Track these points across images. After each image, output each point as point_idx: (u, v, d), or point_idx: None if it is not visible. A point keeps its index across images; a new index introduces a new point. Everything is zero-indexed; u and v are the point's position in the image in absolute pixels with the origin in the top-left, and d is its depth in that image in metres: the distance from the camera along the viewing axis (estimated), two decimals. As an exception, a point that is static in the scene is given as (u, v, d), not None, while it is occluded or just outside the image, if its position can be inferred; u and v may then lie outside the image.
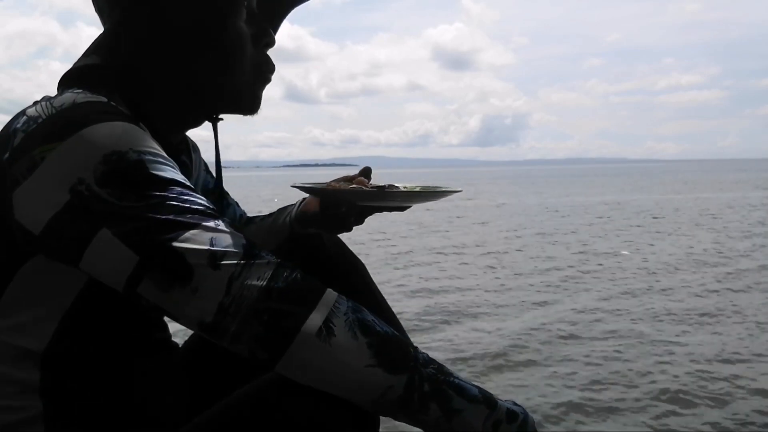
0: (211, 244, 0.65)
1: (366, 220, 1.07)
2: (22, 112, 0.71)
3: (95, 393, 0.76)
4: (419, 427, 0.70)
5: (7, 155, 0.68)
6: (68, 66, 0.81)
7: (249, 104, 0.87)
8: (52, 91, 0.80)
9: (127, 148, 0.67)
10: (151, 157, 0.68)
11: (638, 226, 8.80)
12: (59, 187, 0.65)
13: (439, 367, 0.70)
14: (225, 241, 0.66)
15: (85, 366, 0.75)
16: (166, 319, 0.88)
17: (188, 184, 0.70)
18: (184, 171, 0.90)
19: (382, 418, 0.75)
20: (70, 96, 0.70)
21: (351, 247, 1.12)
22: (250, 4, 0.84)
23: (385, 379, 0.66)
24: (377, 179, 1.07)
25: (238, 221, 1.15)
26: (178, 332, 0.98)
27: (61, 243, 0.67)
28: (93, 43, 0.81)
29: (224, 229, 0.67)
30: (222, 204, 1.07)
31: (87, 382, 0.75)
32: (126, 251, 0.64)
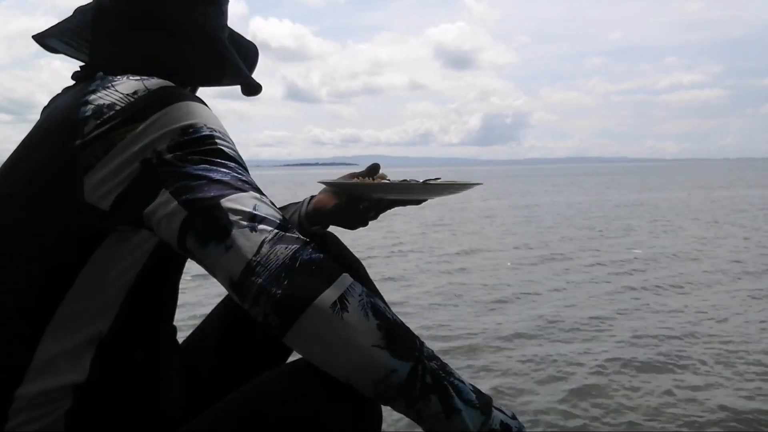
0: (254, 209, 0.70)
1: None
2: (84, 101, 0.74)
3: (120, 388, 0.77)
4: (417, 420, 0.70)
5: (78, 141, 0.71)
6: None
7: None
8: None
9: (202, 124, 0.74)
10: (221, 135, 0.75)
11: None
12: (132, 161, 0.70)
13: (442, 365, 0.71)
14: (267, 210, 0.71)
15: (129, 355, 0.78)
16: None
17: (246, 166, 0.76)
18: None
19: (383, 419, 0.75)
20: (136, 82, 0.75)
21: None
22: None
23: (390, 362, 0.67)
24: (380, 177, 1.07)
25: None
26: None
27: (127, 210, 0.71)
28: (105, 28, 0.83)
29: (268, 202, 0.73)
30: None
31: (123, 374, 0.78)
32: (177, 207, 0.69)
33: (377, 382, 0.67)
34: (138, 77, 0.76)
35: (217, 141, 0.74)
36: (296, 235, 0.71)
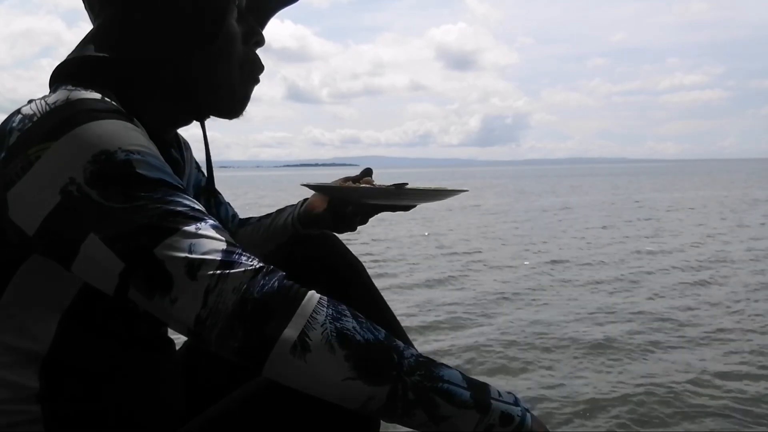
0: (190, 251, 0.64)
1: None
2: (18, 111, 0.71)
3: (95, 395, 0.76)
4: (409, 428, 0.69)
5: (3, 154, 0.68)
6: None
7: (237, 103, 0.86)
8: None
9: (116, 148, 0.67)
10: (140, 157, 0.68)
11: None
12: (51, 188, 0.66)
13: (427, 373, 0.67)
14: (204, 246, 0.65)
15: (85, 368, 0.75)
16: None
17: (175, 183, 0.69)
18: (176, 168, 0.89)
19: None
20: (63, 93, 0.70)
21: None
22: (240, 3, 0.84)
23: (366, 391, 0.65)
24: (378, 179, 1.08)
25: (231, 222, 1.15)
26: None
27: (53, 245, 0.67)
28: (85, 37, 0.81)
29: (205, 233, 0.66)
30: (213, 203, 1.07)
31: (86, 385, 0.75)
32: (113, 257, 0.65)
33: (357, 408, 0.67)
34: (74, 87, 0.72)
35: (136, 166, 0.67)
36: (242, 267, 0.65)
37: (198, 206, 0.69)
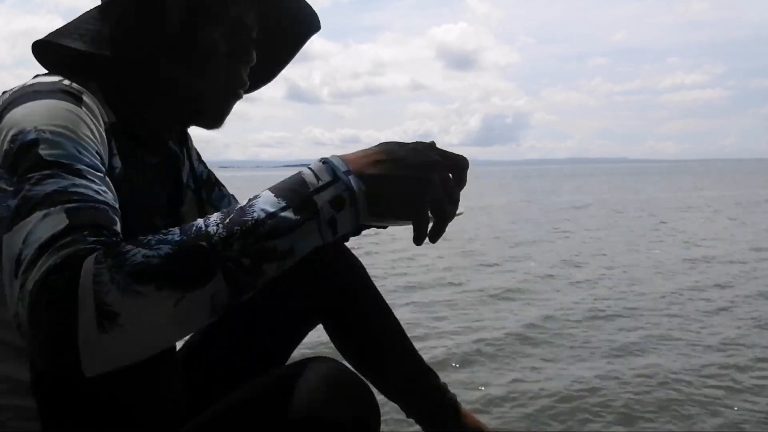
0: (24, 242, 0.57)
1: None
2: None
3: (92, 392, 0.75)
4: (270, 279, 0.62)
5: None
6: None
7: (214, 116, 0.84)
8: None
9: (31, 127, 0.64)
10: (49, 136, 0.63)
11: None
12: None
13: (241, 230, 0.60)
14: (30, 240, 0.57)
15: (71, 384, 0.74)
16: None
17: (76, 166, 0.63)
18: (174, 160, 0.90)
19: (383, 417, 0.75)
20: (31, 79, 0.71)
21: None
22: (241, 20, 0.82)
23: (202, 294, 0.58)
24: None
25: None
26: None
27: None
28: (81, 17, 0.80)
29: (39, 221, 0.58)
30: (215, 196, 1.07)
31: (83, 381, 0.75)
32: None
33: (214, 312, 0.60)
34: (45, 73, 0.73)
35: (40, 145, 0.62)
36: (34, 271, 0.55)
37: (75, 188, 0.61)
